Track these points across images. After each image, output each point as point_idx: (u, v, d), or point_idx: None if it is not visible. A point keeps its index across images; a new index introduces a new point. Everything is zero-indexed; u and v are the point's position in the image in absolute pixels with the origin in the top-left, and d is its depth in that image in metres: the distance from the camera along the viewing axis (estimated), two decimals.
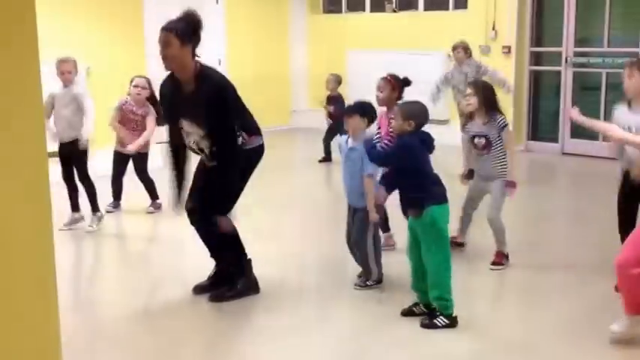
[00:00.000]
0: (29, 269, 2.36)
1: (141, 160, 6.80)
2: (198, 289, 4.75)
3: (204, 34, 4.45)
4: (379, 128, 5.39)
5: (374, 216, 4.59)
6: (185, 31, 4.30)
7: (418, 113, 4.17)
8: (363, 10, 11.71)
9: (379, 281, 4.78)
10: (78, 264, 5.76)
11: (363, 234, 4.69)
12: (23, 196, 2.30)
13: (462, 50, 8.15)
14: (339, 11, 12.08)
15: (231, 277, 4.72)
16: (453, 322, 4.12)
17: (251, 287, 4.72)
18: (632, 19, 9.01)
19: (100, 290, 5.10)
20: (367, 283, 4.77)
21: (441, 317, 4.11)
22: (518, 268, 5.17)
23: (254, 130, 4.63)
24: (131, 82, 6.68)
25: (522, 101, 9.78)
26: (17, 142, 2.27)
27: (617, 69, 9.08)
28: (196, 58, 4.42)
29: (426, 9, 10.87)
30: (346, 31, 11.64)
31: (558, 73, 9.60)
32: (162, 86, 4.65)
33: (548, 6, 9.81)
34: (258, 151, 4.65)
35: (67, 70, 6.00)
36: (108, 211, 6.69)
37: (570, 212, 6.99)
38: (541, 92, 10.08)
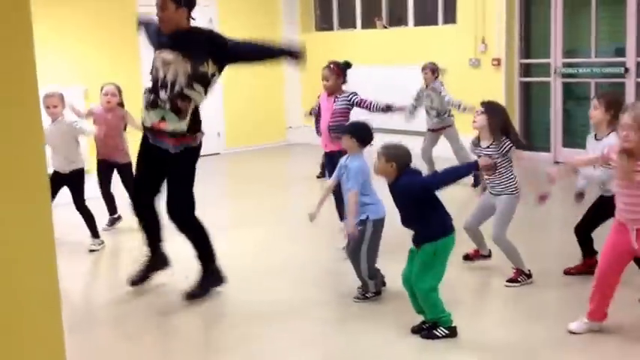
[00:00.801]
0: (33, 285, 2.40)
1: (126, 170, 6.74)
2: (135, 281, 5.13)
3: None
4: (319, 110, 5.89)
5: (349, 230, 4.67)
6: None
7: (401, 155, 4.22)
8: (354, 27, 11.88)
9: (378, 292, 4.85)
10: (70, 280, 5.83)
11: (357, 248, 4.77)
12: (24, 210, 2.34)
13: (430, 72, 8.34)
14: (331, 28, 12.25)
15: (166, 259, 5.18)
16: (453, 332, 4.22)
17: (218, 279, 4.99)
18: (617, 30, 9.17)
19: (96, 308, 5.13)
20: (366, 295, 4.84)
21: (440, 328, 4.22)
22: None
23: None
24: (101, 90, 6.73)
25: (513, 112, 9.91)
26: (17, 158, 2.32)
27: (605, 78, 9.27)
28: (191, 21, 4.68)
29: (415, 24, 11.03)
30: (338, 47, 11.78)
31: (548, 83, 9.76)
32: (150, 25, 4.93)
33: (536, 18, 9.98)
34: (199, 147, 4.89)
35: (52, 104, 5.99)
36: (104, 229, 6.74)
37: (563, 220, 7.08)
38: (532, 103, 10.22)
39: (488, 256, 5.48)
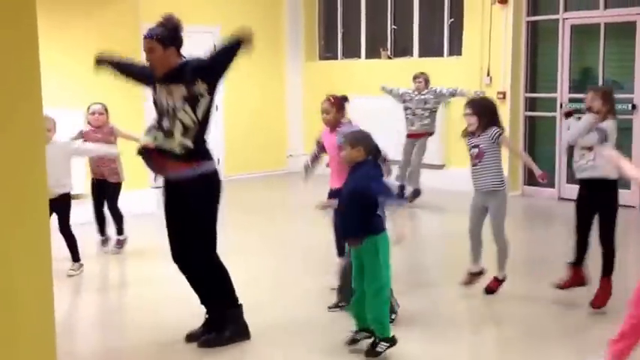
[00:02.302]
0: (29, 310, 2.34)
1: (114, 190, 6.87)
2: (191, 337, 4.68)
3: None
4: (322, 147, 5.70)
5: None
6: (165, 35, 4.50)
7: (364, 138, 4.34)
8: (359, 56, 11.82)
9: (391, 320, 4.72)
10: (61, 309, 5.68)
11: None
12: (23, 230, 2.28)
13: (424, 81, 9.15)
14: (335, 58, 12.20)
15: (223, 322, 4.67)
16: (393, 342, 4.25)
17: (241, 333, 4.67)
18: (626, 66, 9.10)
19: (86, 337, 5.04)
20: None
21: (381, 343, 4.24)
22: (516, 310, 5.14)
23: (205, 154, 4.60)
24: (88, 109, 6.85)
25: (518, 146, 9.81)
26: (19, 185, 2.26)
27: None
28: (182, 57, 4.59)
29: (420, 55, 10.97)
30: (342, 77, 11.73)
31: (553, 118, 9.66)
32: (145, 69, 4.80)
33: (542, 52, 9.92)
34: (216, 174, 4.61)
35: (46, 127, 5.90)
36: (113, 252, 6.88)
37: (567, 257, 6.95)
38: (536, 138, 10.12)
39: (481, 273, 5.47)
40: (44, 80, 2.60)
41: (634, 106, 8.86)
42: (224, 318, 4.65)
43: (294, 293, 5.75)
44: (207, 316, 4.74)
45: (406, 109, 9.26)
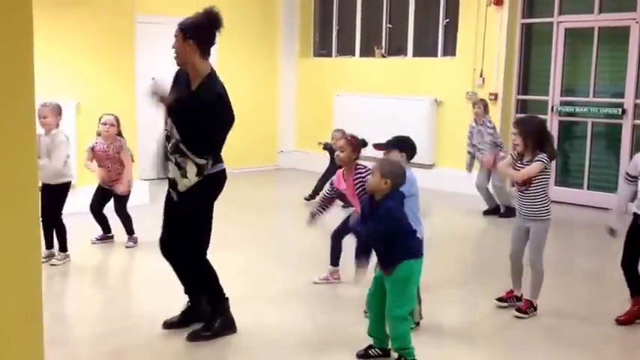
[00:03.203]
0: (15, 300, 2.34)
1: (122, 198, 6.89)
2: (168, 325, 4.72)
3: None
4: (335, 187, 5.43)
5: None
6: (190, 26, 4.32)
7: (397, 174, 4.09)
8: (353, 54, 11.82)
9: (417, 323, 4.73)
10: (51, 299, 5.68)
11: None
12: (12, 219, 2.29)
13: (482, 107, 8.68)
14: (330, 55, 12.20)
15: (204, 313, 4.68)
16: None
17: (228, 327, 4.67)
18: (617, 71, 9.14)
19: (76, 326, 5.02)
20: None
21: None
22: (506, 316, 5.18)
23: (217, 158, 4.64)
24: (100, 120, 6.80)
25: (508, 149, 9.85)
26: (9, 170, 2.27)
27: (602, 119, 9.22)
28: (209, 62, 4.43)
29: (414, 55, 10.99)
30: (335, 74, 11.75)
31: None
32: (179, 70, 4.58)
33: (536, 55, 9.95)
34: (220, 176, 4.63)
35: (42, 115, 5.95)
36: (93, 242, 6.82)
37: (553, 262, 6.99)
38: None
39: (520, 298, 5.27)
40: (36, 70, 2.59)
41: (624, 111, 8.90)
42: (211, 311, 4.66)
43: (282, 288, 5.75)
44: (188, 304, 4.76)
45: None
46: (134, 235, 6.95)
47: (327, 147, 9.02)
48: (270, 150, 12.29)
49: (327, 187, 5.80)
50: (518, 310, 5.10)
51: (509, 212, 7.91)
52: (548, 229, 5.09)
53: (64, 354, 4.39)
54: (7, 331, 2.34)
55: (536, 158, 4.94)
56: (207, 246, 4.60)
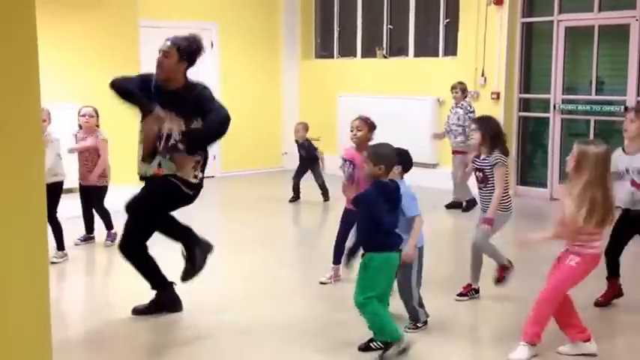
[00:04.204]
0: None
1: (99, 192, 6.98)
2: (137, 311, 4.99)
3: (198, 77, 4.68)
4: (352, 164, 5.47)
5: (410, 253, 4.53)
6: (186, 49, 4.65)
7: (387, 156, 4.28)
8: (355, 55, 11.87)
9: (425, 322, 4.80)
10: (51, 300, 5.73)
11: (407, 276, 4.68)
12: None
13: (460, 91, 8.85)
14: (331, 56, 12.24)
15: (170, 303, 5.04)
16: (387, 348, 4.22)
17: (174, 304, 4.98)
18: (619, 68, 9.17)
19: (82, 325, 5.08)
20: (417, 325, 4.75)
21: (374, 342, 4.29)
22: (505, 318, 5.20)
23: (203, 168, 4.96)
24: (79, 112, 6.95)
25: (511, 146, 9.86)
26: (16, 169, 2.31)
27: (604, 116, 9.25)
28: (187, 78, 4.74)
29: (416, 55, 11.03)
30: (338, 76, 11.79)
31: (547, 119, 9.73)
32: (148, 75, 4.87)
33: (537, 53, 9.98)
34: (181, 194, 4.84)
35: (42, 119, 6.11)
36: (76, 244, 6.93)
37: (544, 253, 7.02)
38: (530, 138, 10.20)
39: (477, 292, 5.46)
40: (41, 75, 2.64)
41: (626, 108, 8.92)
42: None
43: (288, 289, 5.79)
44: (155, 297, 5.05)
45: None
46: (113, 231, 6.99)
47: (299, 144, 9.26)
48: (275, 152, 12.34)
49: (342, 167, 5.67)
50: (498, 280, 5.35)
51: (470, 206, 8.38)
52: (507, 221, 5.32)
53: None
54: (16, 331, 2.37)
55: (494, 161, 5.14)
56: (148, 237, 4.91)
